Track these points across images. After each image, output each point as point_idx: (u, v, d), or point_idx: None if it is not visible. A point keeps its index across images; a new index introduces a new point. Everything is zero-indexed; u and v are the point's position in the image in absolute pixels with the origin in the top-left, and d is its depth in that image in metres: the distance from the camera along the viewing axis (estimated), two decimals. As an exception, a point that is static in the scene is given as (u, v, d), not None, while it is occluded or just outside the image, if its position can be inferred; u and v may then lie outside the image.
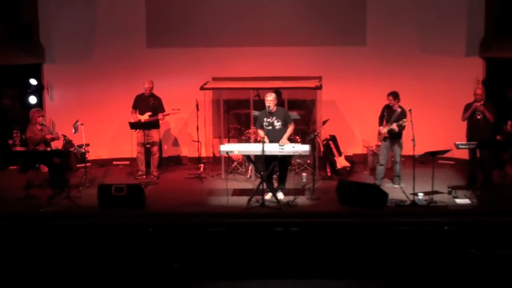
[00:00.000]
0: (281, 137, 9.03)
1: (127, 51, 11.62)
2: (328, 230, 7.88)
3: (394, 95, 9.58)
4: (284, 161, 9.13)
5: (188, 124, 11.78)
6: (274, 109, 9.10)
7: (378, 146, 10.28)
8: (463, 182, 9.74)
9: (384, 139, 9.66)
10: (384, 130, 9.58)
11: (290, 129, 9.17)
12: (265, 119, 9.10)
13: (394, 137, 9.55)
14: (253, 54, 11.49)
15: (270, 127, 9.07)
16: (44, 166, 9.61)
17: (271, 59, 11.44)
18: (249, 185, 9.94)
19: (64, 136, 9.96)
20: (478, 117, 9.34)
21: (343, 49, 11.56)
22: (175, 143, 12.04)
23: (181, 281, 6.92)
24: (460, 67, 11.20)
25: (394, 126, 9.41)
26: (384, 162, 9.80)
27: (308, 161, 10.72)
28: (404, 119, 9.30)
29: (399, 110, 9.53)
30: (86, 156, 10.14)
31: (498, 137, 9.52)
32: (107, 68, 11.64)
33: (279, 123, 9.09)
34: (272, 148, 8.79)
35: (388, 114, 9.62)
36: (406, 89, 10.25)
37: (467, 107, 9.53)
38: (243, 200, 8.92)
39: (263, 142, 8.73)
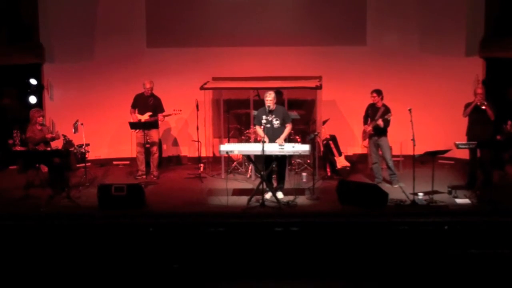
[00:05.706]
0: (279, 136, 9.04)
1: (127, 51, 11.63)
2: (328, 230, 7.88)
3: (378, 92, 9.71)
4: (281, 159, 9.12)
5: (188, 124, 11.78)
6: (274, 108, 9.11)
7: (365, 147, 10.32)
8: (463, 182, 9.72)
9: (370, 136, 9.76)
10: (369, 128, 9.68)
11: (288, 129, 9.17)
12: (264, 116, 9.11)
13: (380, 133, 9.65)
14: (253, 54, 11.49)
15: (268, 125, 9.08)
16: (44, 166, 9.61)
17: (271, 59, 11.45)
18: (249, 185, 9.94)
19: (64, 136, 9.96)
20: (483, 107, 9.25)
21: (343, 49, 11.58)
22: (175, 143, 12.04)
23: (181, 281, 6.92)
24: (460, 67, 11.20)
25: (380, 121, 9.51)
26: (377, 160, 9.88)
27: (308, 161, 10.72)
28: (389, 113, 9.42)
29: (382, 108, 9.63)
30: (86, 156, 10.13)
31: (498, 137, 9.52)
32: (107, 68, 11.64)
33: (278, 121, 9.09)
34: (272, 148, 8.79)
35: (372, 112, 9.73)
36: (406, 89, 10.26)
37: (468, 106, 9.52)
38: (243, 200, 8.92)
39: (263, 141, 8.73)
